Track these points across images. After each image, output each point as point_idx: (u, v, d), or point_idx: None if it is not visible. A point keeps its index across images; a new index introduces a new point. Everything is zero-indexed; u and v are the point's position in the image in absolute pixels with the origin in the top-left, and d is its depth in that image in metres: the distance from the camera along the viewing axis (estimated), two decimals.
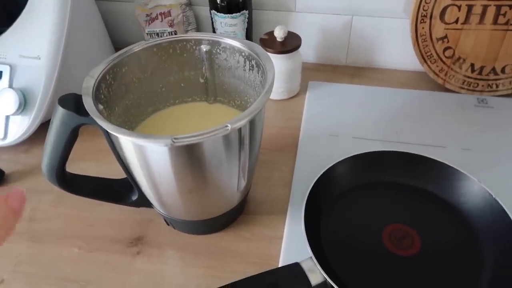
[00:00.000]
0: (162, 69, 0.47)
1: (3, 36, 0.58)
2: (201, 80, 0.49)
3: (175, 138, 0.32)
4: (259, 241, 0.48)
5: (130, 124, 0.47)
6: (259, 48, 0.43)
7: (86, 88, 0.37)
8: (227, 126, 0.33)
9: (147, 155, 0.36)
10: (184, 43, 0.46)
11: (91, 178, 0.46)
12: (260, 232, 0.48)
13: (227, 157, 0.38)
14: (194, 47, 0.46)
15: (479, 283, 0.41)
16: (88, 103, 0.36)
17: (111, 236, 0.49)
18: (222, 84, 0.49)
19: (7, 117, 0.58)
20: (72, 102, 0.37)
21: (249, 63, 0.44)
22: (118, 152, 0.40)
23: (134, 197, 0.46)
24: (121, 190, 0.46)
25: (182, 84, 0.49)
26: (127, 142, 0.36)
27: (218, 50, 0.46)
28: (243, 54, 0.44)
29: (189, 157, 0.36)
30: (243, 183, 0.43)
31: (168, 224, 0.49)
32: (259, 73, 0.42)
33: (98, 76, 0.40)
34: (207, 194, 0.41)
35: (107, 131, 0.35)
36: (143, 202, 0.46)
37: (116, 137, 0.36)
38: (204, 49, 0.46)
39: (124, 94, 0.45)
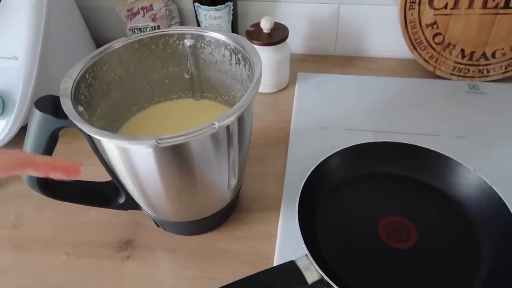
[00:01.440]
0: (145, 66, 0.45)
1: None
2: (186, 76, 0.47)
3: (159, 139, 0.30)
4: (253, 239, 0.46)
5: (114, 125, 0.45)
6: (245, 41, 0.41)
7: (64, 89, 0.36)
8: (214, 124, 0.31)
9: (131, 158, 0.35)
10: (167, 38, 0.44)
11: (75, 182, 0.44)
12: (254, 230, 0.47)
13: (215, 156, 0.36)
14: (177, 41, 0.45)
15: (477, 272, 0.40)
16: (67, 105, 0.34)
17: (100, 240, 0.47)
18: (208, 79, 0.47)
19: None
20: (49, 104, 0.35)
21: (235, 57, 0.42)
22: (102, 155, 0.38)
23: (121, 200, 0.44)
24: (108, 194, 0.45)
25: (166, 81, 0.48)
26: (110, 145, 0.34)
27: (202, 44, 0.44)
28: (228, 47, 0.43)
29: (176, 157, 0.34)
30: (233, 181, 0.41)
31: (158, 226, 0.47)
32: (246, 67, 0.41)
33: (77, 76, 0.38)
34: (197, 194, 0.40)
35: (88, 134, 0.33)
36: (131, 205, 0.44)
37: (99, 140, 0.34)
38: (188, 44, 0.44)
39: (106, 93, 0.43)
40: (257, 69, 0.37)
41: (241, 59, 0.42)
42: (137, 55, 0.44)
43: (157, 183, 0.37)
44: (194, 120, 0.46)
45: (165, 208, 0.42)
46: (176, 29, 0.44)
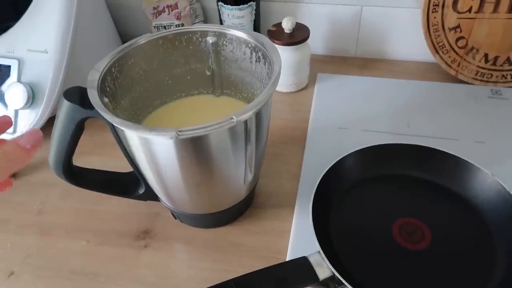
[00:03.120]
0: (168, 62, 0.47)
1: (11, 31, 0.59)
2: (208, 73, 0.49)
3: (179, 131, 0.31)
4: (267, 234, 0.47)
5: (137, 118, 0.46)
6: (265, 39, 0.42)
7: (91, 81, 0.37)
8: (232, 118, 0.32)
9: (152, 148, 0.36)
10: (190, 35, 0.45)
11: (98, 172, 0.45)
12: (268, 226, 0.48)
13: (233, 150, 0.37)
14: (200, 39, 0.46)
15: (491, 278, 0.40)
16: (93, 96, 0.36)
17: (119, 229, 0.49)
18: (229, 76, 0.48)
19: (16, 111, 0.58)
20: (77, 95, 0.36)
21: (256, 55, 0.43)
22: (124, 146, 0.39)
23: (141, 191, 0.46)
24: (128, 184, 0.46)
25: (188, 77, 0.49)
26: (133, 135, 0.36)
27: (224, 42, 0.45)
28: (249, 45, 0.43)
29: (195, 150, 0.35)
30: (250, 176, 0.42)
31: (175, 218, 0.49)
32: (266, 65, 0.42)
33: (104, 69, 0.39)
34: (213, 187, 0.41)
35: (112, 125, 0.35)
36: (150, 195, 0.45)
37: (122, 130, 0.36)
38: (210, 41, 0.45)
39: (130, 87, 0.44)
40: (276, 66, 0.38)
41: (261, 57, 0.43)
42: (161, 51, 0.45)
43: (176, 174, 0.38)
44: (214, 115, 0.46)
45: (182, 199, 0.43)
46: (199, 27, 0.45)
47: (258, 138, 0.39)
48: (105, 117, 0.34)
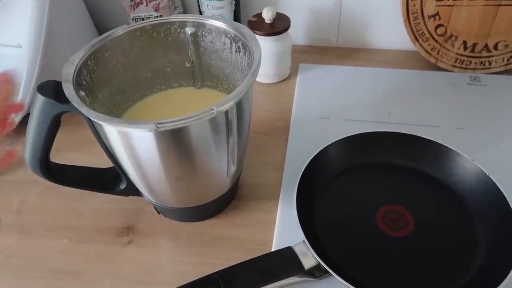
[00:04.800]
0: (147, 54, 0.46)
1: None
2: (188, 65, 0.48)
3: (158, 123, 0.31)
4: (252, 226, 0.47)
5: (116, 112, 0.45)
6: (245, 29, 0.41)
7: (66, 74, 0.36)
8: (212, 109, 0.32)
9: (132, 143, 0.35)
10: (168, 26, 0.45)
11: (77, 168, 0.44)
12: (253, 218, 0.48)
13: (214, 142, 0.37)
14: (178, 30, 0.45)
15: (473, 261, 0.41)
16: (69, 89, 0.34)
17: (101, 226, 0.48)
18: (209, 67, 0.48)
19: None
20: (52, 89, 0.35)
21: (236, 45, 0.43)
22: (103, 141, 0.38)
23: (122, 186, 0.45)
24: (109, 179, 0.45)
25: (168, 69, 0.48)
26: (111, 130, 0.35)
27: (203, 32, 0.45)
28: (229, 35, 0.43)
29: (175, 142, 0.35)
30: (232, 168, 0.42)
31: (158, 213, 0.48)
32: (246, 55, 0.41)
33: (79, 62, 0.38)
34: (196, 180, 0.41)
35: (90, 119, 0.34)
36: (132, 190, 0.45)
37: (100, 125, 0.35)
38: (189, 32, 0.44)
39: (108, 80, 0.43)
40: (256, 56, 0.37)
41: (241, 47, 0.42)
42: (139, 43, 0.44)
43: (157, 168, 0.37)
44: (194, 107, 0.46)
45: (165, 193, 0.42)
46: (178, 17, 0.44)
47: (240, 129, 0.38)
48: (81, 111, 0.33)
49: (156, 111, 0.47)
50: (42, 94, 0.35)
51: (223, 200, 0.46)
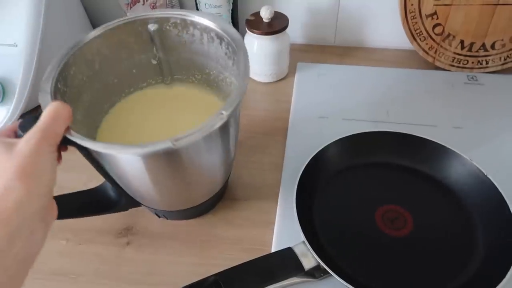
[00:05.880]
0: (111, 59, 0.44)
1: None
2: (154, 62, 0.47)
3: (175, 140, 0.30)
4: (251, 227, 0.47)
5: (91, 127, 0.43)
6: (217, 19, 0.40)
7: (44, 105, 0.33)
8: (222, 113, 0.31)
9: (142, 165, 0.34)
10: (130, 26, 0.43)
11: (71, 196, 0.41)
12: (252, 218, 0.48)
13: (222, 145, 0.37)
14: (139, 28, 0.43)
15: (472, 261, 0.41)
16: None
17: (100, 227, 0.48)
18: (178, 61, 0.46)
19: None
20: (32, 124, 0.30)
21: (208, 36, 0.42)
22: (102, 166, 0.37)
23: (122, 202, 0.43)
24: (106, 197, 0.43)
25: (134, 71, 0.47)
26: (117, 157, 0.33)
27: (168, 27, 0.43)
28: (198, 27, 0.42)
29: (189, 155, 0.34)
30: (231, 164, 0.41)
31: (159, 217, 0.48)
32: (223, 45, 0.40)
33: (51, 89, 0.35)
34: (201, 183, 0.41)
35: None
36: (132, 203, 0.44)
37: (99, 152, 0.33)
38: (152, 29, 0.43)
39: (78, 98, 0.41)
40: (240, 45, 0.37)
41: (214, 37, 0.41)
42: (102, 50, 0.43)
43: (167, 182, 0.37)
44: (169, 109, 0.46)
45: (167, 200, 0.42)
46: (138, 16, 0.43)
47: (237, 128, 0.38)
48: (82, 144, 0.31)
49: (132, 119, 0.46)
50: (24, 132, 0.30)
51: (219, 194, 0.47)
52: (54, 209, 0.31)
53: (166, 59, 0.46)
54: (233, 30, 0.39)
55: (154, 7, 0.69)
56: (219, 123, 0.31)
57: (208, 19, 0.41)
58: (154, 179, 0.37)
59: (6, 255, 0.26)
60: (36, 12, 0.55)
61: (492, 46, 0.63)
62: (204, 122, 0.31)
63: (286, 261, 0.39)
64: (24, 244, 0.27)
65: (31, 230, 0.28)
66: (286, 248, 0.40)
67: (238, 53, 0.37)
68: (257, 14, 0.63)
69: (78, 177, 0.43)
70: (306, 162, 0.47)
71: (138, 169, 0.35)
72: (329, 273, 0.37)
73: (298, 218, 0.41)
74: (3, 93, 0.55)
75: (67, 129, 0.31)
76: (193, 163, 0.36)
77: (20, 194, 0.27)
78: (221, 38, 0.40)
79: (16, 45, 0.55)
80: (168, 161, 0.34)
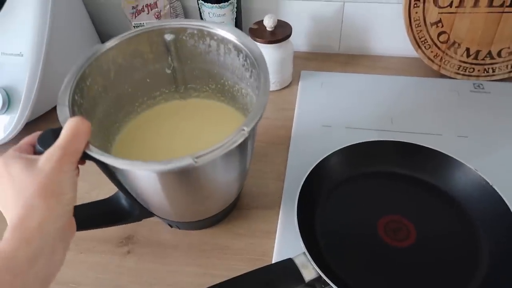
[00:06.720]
0: (125, 69, 0.44)
1: None
2: (168, 71, 0.47)
3: (196, 157, 0.29)
4: (253, 236, 0.47)
5: (105, 138, 0.43)
6: (236, 31, 0.40)
7: (65, 120, 0.32)
8: (243, 129, 0.31)
9: (162, 181, 0.34)
10: (146, 35, 0.43)
11: (83, 207, 0.41)
12: (254, 227, 0.48)
13: (240, 159, 0.37)
14: (156, 37, 0.43)
15: (476, 272, 0.40)
16: None
17: (100, 236, 0.48)
18: (192, 70, 0.46)
19: None
20: (52, 139, 0.30)
21: (224, 47, 0.42)
22: (117, 178, 0.36)
23: (135, 212, 0.43)
24: (120, 207, 0.43)
25: (148, 80, 0.47)
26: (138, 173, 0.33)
27: (184, 37, 0.43)
28: (215, 38, 0.42)
29: (207, 171, 0.34)
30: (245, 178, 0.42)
31: (171, 227, 0.47)
32: (240, 56, 0.40)
33: (69, 101, 0.35)
34: (218, 196, 0.41)
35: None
36: (145, 214, 0.43)
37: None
38: (168, 39, 0.43)
39: (93, 109, 0.41)
40: (261, 60, 0.36)
41: (232, 48, 0.41)
42: (117, 60, 0.43)
43: (184, 197, 0.37)
44: (184, 121, 0.46)
45: (182, 212, 0.42)
46: (155, 25, 0.43)
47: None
48: (102, 160, 0.31)
49: (147, 133, 0.46)
50: (43, 147, 0.30)
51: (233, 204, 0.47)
52: (73, 227, 0.31)
53: (180, 68, 0.46)
54: (253, 43, 0.39)
55: (158, 16, 0.70)
56: (240, 140, 0.31)
57: (227, 30, 0.41)
58: (171, 194, 0.37)
59: (27, 275, 0.26)
60: (42, 22, 0.56)
61: (499, 54, 0.62)
62: (225, 139, 0.30)
63: (286, 273, 0.39)
64: (45, 264, 0.27)
65: (52, 250, 0.28)
66: (286, 259, 0.40)
67: (259, 68, 0.37)
68: (260, 23, 0.63)
69: (80, 186, 0.43)
70: (308, 172, 0.46)
71: (156, 184, 0.35)
72: (330, 285, 0.37)
73: (299, 229, 0.40)
74: (8, 102, 0.56)
75: (87, 144, 0.31)
76: (211, 178, 0.36)
77: (43, 213, 0.26)
78: (239, 50, 0.40)
79: (22, 55, 0.56)
80: (187, 176, 0.34)
